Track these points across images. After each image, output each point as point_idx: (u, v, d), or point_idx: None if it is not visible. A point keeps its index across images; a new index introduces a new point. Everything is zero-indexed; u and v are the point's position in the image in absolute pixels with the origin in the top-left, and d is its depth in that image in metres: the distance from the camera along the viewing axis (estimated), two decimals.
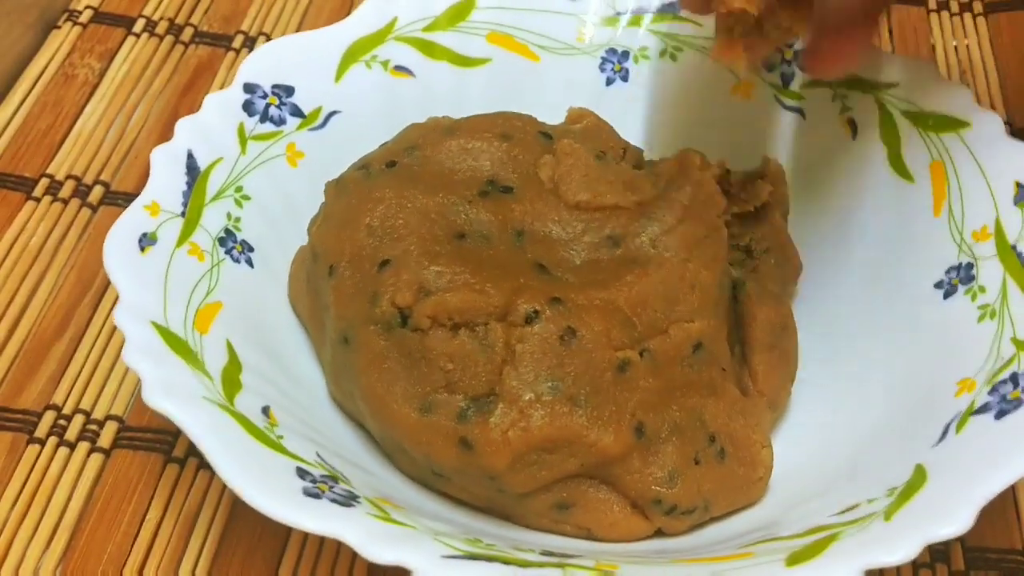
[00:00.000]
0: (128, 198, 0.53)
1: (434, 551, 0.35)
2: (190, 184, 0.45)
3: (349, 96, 0.50)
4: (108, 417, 0.47)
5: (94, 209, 0.54)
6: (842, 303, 0.48)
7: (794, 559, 0.35)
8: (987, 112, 0.46)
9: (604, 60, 0.53)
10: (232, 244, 0.45)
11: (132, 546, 0.43)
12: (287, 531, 0.43)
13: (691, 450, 0.41)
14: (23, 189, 0.54)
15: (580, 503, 0.41)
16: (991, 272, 0.43)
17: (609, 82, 0.53)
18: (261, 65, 0.49)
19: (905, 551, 0.35)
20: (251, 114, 0.48)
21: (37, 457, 0.45)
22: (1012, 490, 0.45)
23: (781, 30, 0.43)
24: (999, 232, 0.44)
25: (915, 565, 0.43)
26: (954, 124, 0.46)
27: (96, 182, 0.55)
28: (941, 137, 0.46)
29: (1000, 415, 0.39)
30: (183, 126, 0.46)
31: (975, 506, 0.35)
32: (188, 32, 0.62)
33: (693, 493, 0.41)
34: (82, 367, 0.48)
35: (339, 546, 0.43)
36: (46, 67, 0.59)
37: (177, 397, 0.38)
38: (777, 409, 0.46)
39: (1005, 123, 0.46)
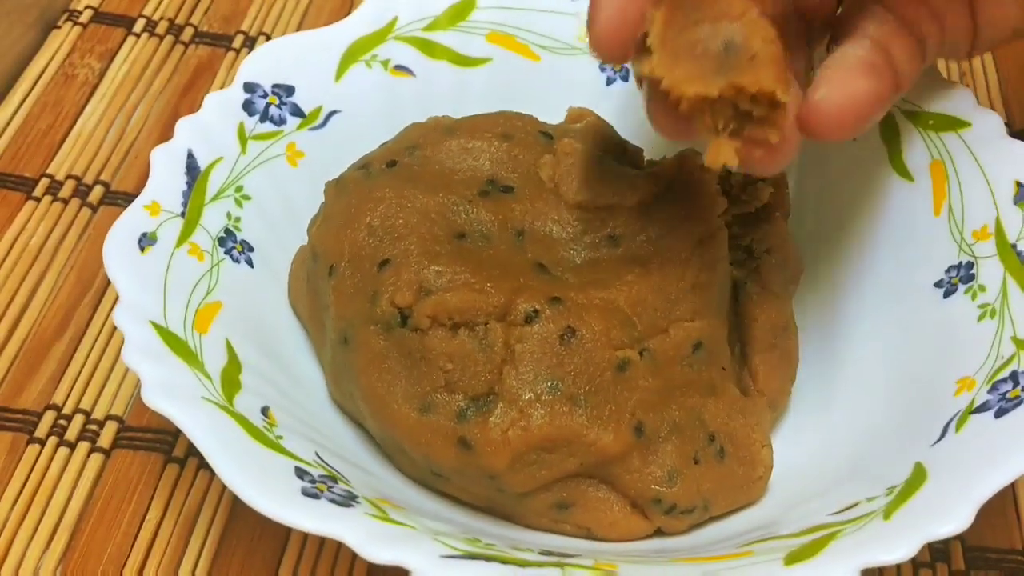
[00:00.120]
0: (128, 198, 0.53)
1: (433, 551, 0.35)
2: (190, 184, 0.45)
3: (349, 96, 0.50)
4: (108, 417, 0.47)
5: (94, 209, 0.54)
6: (842, 303, 0.48)
7: (793, 558, 0.35)
8: (987, 112, 0.46)
9: None
10: (232, 244, 0.45)
11: (132, 546, 0.43)
12: (287, 531, 0.43)
13: (691, 449, 0.41)
14: (23, 189, 0.54)
15: (580, 502, 0.41)
16: (991, 271, 0.43)
17: (609, 82, 0.53)
18: (261, 64, 0.49)
19: (904, 550, 0.35)
20: (251, 114, 0.48)
21: (37, 457, 0.45)
22: (1012, 489, 0.45)
23: (764, 103, 0.36)
24: (999, 231, 0.44)
25: (915, 564, 0.43)
26: (954, 124, 0.46)
27: (96, 182, 0.55)
28: (941, 137, 0.46)
29: (1000, 414, 0.39)
30: (183, 126, 0.46)
31: (975, 505, 0.35)
32: (188, 32, 0.62)
33: (692, 492, 0.41)
34: (82, 367, 0.48)
35: (339, 546, 0.43)
36: (46, 67, 0.59)
37: (176, 397, 0.38)
38: (777, 409, 0.46)
39: (1005, 124, 0.46)
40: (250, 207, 0.46)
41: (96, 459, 0.45)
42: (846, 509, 0.38)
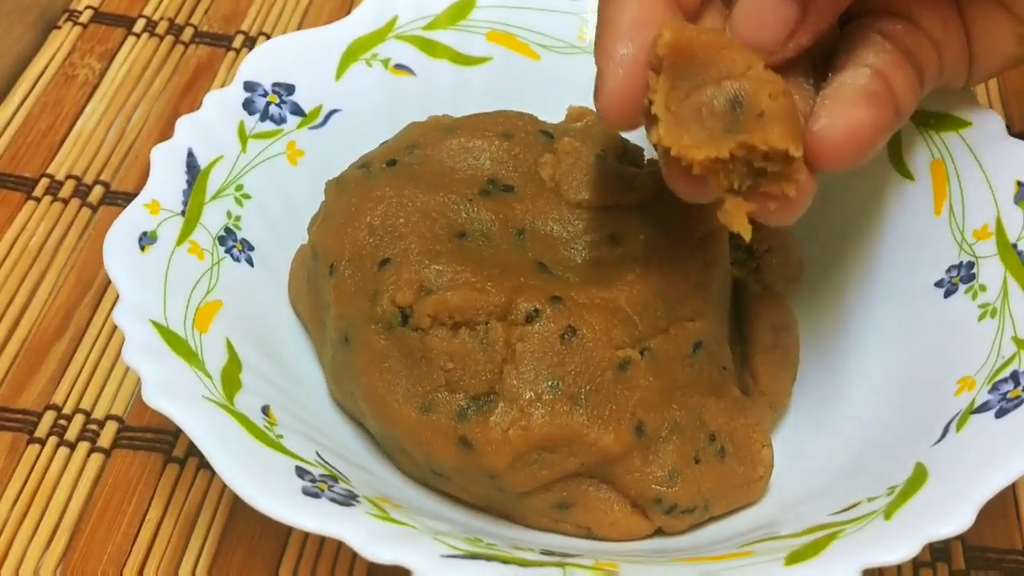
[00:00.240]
0: (128, 198, 0.53)
1: (434, 550, 0.35)
2: (190, 183, 0.45)
3: (350, 94, 0.50)
4: (108, 417, 0.47)
5: (94, 209, 0.54)
6: (843, 302, 0.48)
7: (793, 558, 0.35)
8: (988, 111, 0.46)
9: None
10: (232, 243, 0.45)
11: (132, 546, 0.43)
12: (287, 531, 0.43)
13: (691, 449, 0.41)
14: (23, 189, 0.54)
15: (580, 502, 0.41)
16: (992, 271, 0.43)
17: None
18: (261, 63, 0.49)
19: (905, 550, 0.35)
20: (251, 112, 0.48)
21: (37, 457, 0.45)
22: (1012, 489, 0.45)
23: (778, 159, 0.36)
24: (1000, 231, 0.44)
25: (915, 564, 0.43)
26: (955, 123, 0.46)
27: (96, 182, 0.55)
28: (942, 136, 0.46)
29: (1001, 414, 0.39)
30: (183, 124, 0.46)
31: (975, 505, 0.35)
32: (188, 32, 0.62)
33: (693, 492, 0.41)
34: (82, 367, 0.48)
35: (339, 546, 0.43)
36: (46, 67, 0.59)
37: (177, 396, 0.38)
38: (778, 408, 0.46)
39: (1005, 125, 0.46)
40: (250, 206, 0.46)
41: (96, 459, 0.45)
42: (847, 509, 0.38)
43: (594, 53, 0.39)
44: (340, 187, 0.45)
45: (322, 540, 0.43)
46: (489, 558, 0.35)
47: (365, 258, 0.42)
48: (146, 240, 0.42)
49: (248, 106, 0.48)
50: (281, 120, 0.48)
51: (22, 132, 0.57)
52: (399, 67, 0.51)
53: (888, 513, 0.37)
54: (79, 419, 0.46)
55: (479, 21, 0.52)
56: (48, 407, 0.47)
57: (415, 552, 0.34)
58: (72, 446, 0.46)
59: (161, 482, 0.45)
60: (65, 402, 0.47)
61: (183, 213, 0.44)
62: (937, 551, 0.44)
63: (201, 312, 0.42)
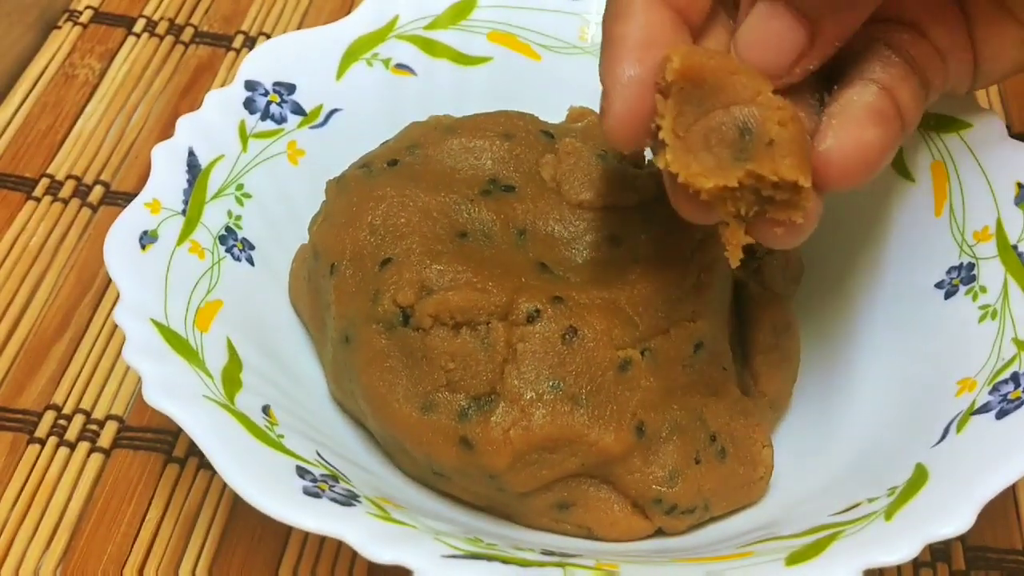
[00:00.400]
0: (128, 198, 0.53)
1: (434, 550, 0.35)
2: (191, 182, 0.45)
3: (350, 94, 0.50)
4: (108, 417, 0.47)
5: (94, 209, 0.54)
6: (843, 303, 0.48)
7: (794, 559, 0.35)
8: (988, 113, 0.46)
9: None
10: (233, 242, 0.45)
11: (132, 546, 0.43)
12: (287, 531, 0.43)
13: (692, 449, 0.41)
14: (23, 189, 0.54)
15: (581, 502, 0.41)
16: (992, 272, 0.43)
17: None
18: (262, 62, 0.49)
19: (905, 551, 0.35)
20: (252, 112, 0.48)
21: (37, 457, 0.45)
22: (1012, 490, 0.45)
23: (786, 188, 0.35)
24: (1000, 232, 0.44)
25: (916, 564, 0.43)
26: (955, 124, 0.46)
27: (96, 182, 0.55)
28: (942, 137, 0.46)
29: (1001, 415, 0.39)
30: (184, 124, 0.46)
31: (976, 505, 0.35)
32: (188, 32, 0.62)
33: (693, 492, 0.41)
34: (82, 367, 0.48)
35: (339, 546, 0.43)
36: (46, 67, 0.59)
37: (177, 396, 0.38)
38: (778, 409, 0.46)
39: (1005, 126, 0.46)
40: (251, 205, 0.46)
41: (96, 459, 0.45)
42: (847, 510, 0.38)
43: (600, 72, 0.38)
44: (341, 187, 0.45)
45: (322, 540, 0.43)
46: (489, 558, 0.35)
47: (366, 258, 0.42)
48: (147, 239, 0.42)
49: (249, 105, 0.48)
50: (282, 119, 0.48)
51: (22, 132, 0.57)
52: (400, 67, 0.51)
53: (889, 514, 0.37)
54: (79, 419, 0.46)
55: (480, 21, 0.52)
56: (48, 407, 0.47)
57: (415, 552, 0.34)
58: (72, 446, 0.46)
59: (161, 482, 0.45)
60: (65, 402, 0.47)
61: (184, 212, 0.44)
62: (937, 551, 0.44)
63: (202, 311, 0.42)
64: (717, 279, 0.43)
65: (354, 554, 0.34)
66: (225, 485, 0.36)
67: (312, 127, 0.49)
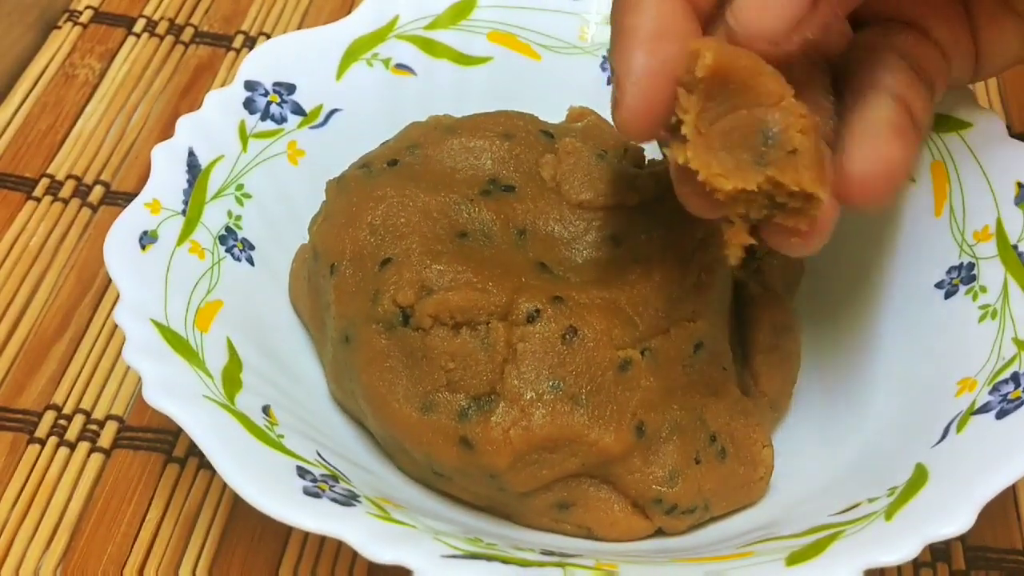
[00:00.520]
0: (128, 198, 0.53)
1: (434, 550, 0.35)
2: (191, 182, 0.45)
3: (350, 94, 0.50)
4: (108, 417, 0.47)
5: (94, 209, 0.54)
6: (843, 303, 0.48)
7: (794, 559, 0.35)
8: (988, 112, 0.46)
9: (605, 59, 0.53)
10: (233, 242, 0.45)
11: (132, 546, 0.43)
12: (287, 531, 0.43)
13: (692, 449, 0.41)
14: (23, 189, 0.54)
15: (580, 502, 0.41)
16: (992, 272, 0.43)
17: (611, 81, 0.53)
18: (262, 62, 0.49)
19: (906, 551, 0.35)
20: (252, 112, 0.48)
21: (37, 457, 0.45)
22: (1013, 490, 0.45)
23: (800, 197, 0.35)
24: (1000, 232, 0.44)
25: (916, 564, 0.43)
26: (955, 124, 0.46)
27: (96, 182, 0.55)
28: (942, 137, 0.46)
29: (1001, 415, 0.39)
30: (184, 124, 0.46)
31: (976, 506, 0.35)
32: (188, 32, 0.62)
33: (693, 492, 0.41)
34: (82, 367, 0.48)
35: (339, 546, 0.43)
36: (46, 67, 0.59)
37: (177, 396, 0.38)
38: (778, 409, 0.46)
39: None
40: (251, 205, 0.46)
41: (96, 459, 0.45)
42: (848, 510, 0.38)
43: (611, 63, 0.38)
44: (341, 187, 0.45)
45: (322, 540, 0.43)
46: (489, 558, 0.35)
47: (366, 258, 0.42)
48: (147, 239, 0.42)
49: (249, 105, 0.48)
50: (282, 119, 0.48)
51: (22, 132, 0.57)
52: (400, 67, 0.51)
53: (889, 514, 0.37)
54: (79, 419, 0.46)
55: (480, 21, 0.52)
56: (48, 407, 0.47)
57: (415, 552, 0.34)
58: (72, 446, 0.46)
59: (161, 482, 0.45)
60: (65, 402, 0.47)
61: (184, 212, 0.44)
62: (937, 551, 0.44)
63: (202, 311, 0.42)
64: (717, 279, 0.43)
65: (354, 554, 0.34)
66: (225, 485, 0.36)
67: (312, 127, 0.49)
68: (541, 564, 0.35)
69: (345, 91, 0.50)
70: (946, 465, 0.38)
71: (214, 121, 0.47)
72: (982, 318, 0.42)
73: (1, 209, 0.53)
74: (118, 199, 0.54)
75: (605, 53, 0.53)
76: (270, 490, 0.35)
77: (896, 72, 0.40)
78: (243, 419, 0.38)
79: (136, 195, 0.43)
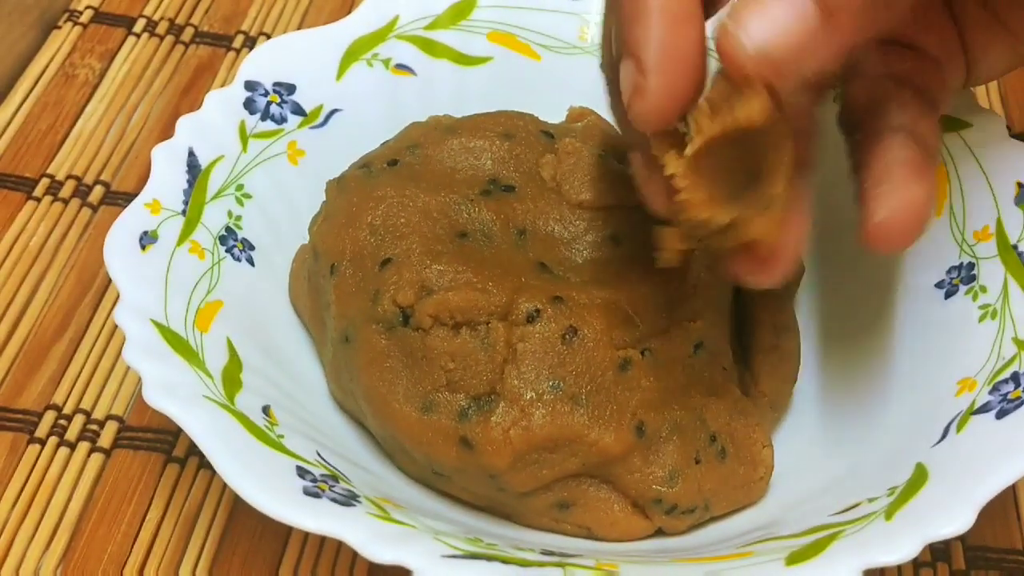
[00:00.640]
0: (128, 198, 0.53)
1: (434, 550, 0.35)
2: (191, 182, 0.45)
3: (350, 94, 0.50)
4: (108, 417, 0.47)
5: (94, 209, 0.54)
6: (843, 303, 0.48)
7: (794, 558, 0.35)
8: (988, 112, 0.46)
9: None
10: (233, 242, 0.45)
11: (132, 546, 0.43)
12: (287, 531, 0.43)
13: (692, 449, 0.41)
14: (23, 189, 0.54)
15: (580, 502, 0.41)
16: (992, 272, 0.43)
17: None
18: (262, 63, 0.49)
19: (906, 550, 0.35)
20: (252, 112, 0.48)
21: (37, 457, 0.45)
22: (1013, 490, 0.45)
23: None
24: (1000, 232, 0.44)
25: (916, 564, 0.43)
26: (955, 124, 0.46)
27: (96, 182, 0.55)
28: (942, 137, 0.46)
29: (1001, 415, 0.39)
30: (184, 124, 0.46)
31: (976, 505, 0.35)
32: (188, 32, 0.62)
33: (693, 492, 0.41)
34: (82, 367, 0.48)
35: (339, 546, 0.43)
36: (46, 67, 0.59)
37: (177, 396, 0.38)
38: (778, 409, 0.46)
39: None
40: (251, 205, 0.46)
41: (96, 459, 0.45)
42: (847, 509, 0.38)
43: (626, 48, 0.35)
44: (341, 187, 0.45)
45: (322, 540, 0.43)
46: (489, 558, 0.35)
47: (366, 258, 0.42)
48: (147, 240, 0.42)
49: (249, 105, 0.48)
50: (282, 120, 0.48)
51: (22, 132, 0.57)
52: (400, 67, 0.51)
53: (889, 513, 0.37)
54: (79, 419, 0.46)
55: (480, 21, 0.52)
56: (48, 407, 0.47)
57: (415, 552, 0.34)
58: (72, 446, 0.46)
59: (161, 482, 0.45)
60: (65, 402, 0.47)
61: (184, 213, 0.44)
62: (937, 551, 0.44)
63: (202, 312, 0.42)
64: (717, 279, 0.43)
65: (354, 554, 0.34)
66: (225, 485, 0.36)
67: (312, 127, 0.49)
68: (541, 564, 0.35)
69: (345, 91, 0.50)
70: (946, 465, 0.38)
71: (214, 121, 0.47)
72: (982, 318, 0.42)
73: (1, 209, 0.53)
74: (118, 199, 0.54)
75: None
76: (270, 490, 0.35)
77: (900, 104, 0.40)
78: (243, 419, 0.38)
79: (136, 195, 0.43)
